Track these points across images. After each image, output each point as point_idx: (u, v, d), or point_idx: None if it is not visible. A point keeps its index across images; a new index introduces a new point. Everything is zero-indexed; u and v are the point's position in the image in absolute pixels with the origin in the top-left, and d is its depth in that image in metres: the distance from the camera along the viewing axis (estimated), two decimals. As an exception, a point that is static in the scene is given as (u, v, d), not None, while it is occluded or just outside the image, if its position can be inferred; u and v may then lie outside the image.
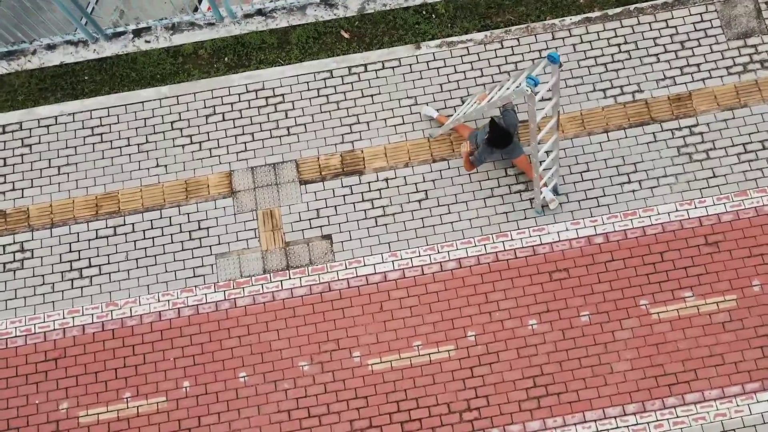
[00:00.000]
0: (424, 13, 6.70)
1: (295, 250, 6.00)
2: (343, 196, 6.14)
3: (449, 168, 6.14)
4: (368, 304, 5.79)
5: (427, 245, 5.96)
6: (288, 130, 6.35)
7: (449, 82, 6.40)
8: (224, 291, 5.91)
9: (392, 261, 5.91)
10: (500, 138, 5.24)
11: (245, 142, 6.33)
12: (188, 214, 6.15)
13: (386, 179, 6.17)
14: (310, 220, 6.09)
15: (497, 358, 5.62)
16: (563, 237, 5.89)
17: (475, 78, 6.36)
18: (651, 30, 6.30)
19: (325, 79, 6.47)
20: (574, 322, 5.64)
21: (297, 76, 6.49)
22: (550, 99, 4.87)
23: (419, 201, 6.08)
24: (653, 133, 6.09)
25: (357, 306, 5.79)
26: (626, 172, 6.01)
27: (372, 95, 6.41)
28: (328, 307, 5.80)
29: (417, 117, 6.32)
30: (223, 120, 6.41)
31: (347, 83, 6.45)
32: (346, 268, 5.92)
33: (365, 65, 6.49)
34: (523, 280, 5.79)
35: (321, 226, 6.07)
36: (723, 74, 6.17)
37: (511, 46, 6.37)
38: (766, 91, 6.12)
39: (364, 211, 6.07)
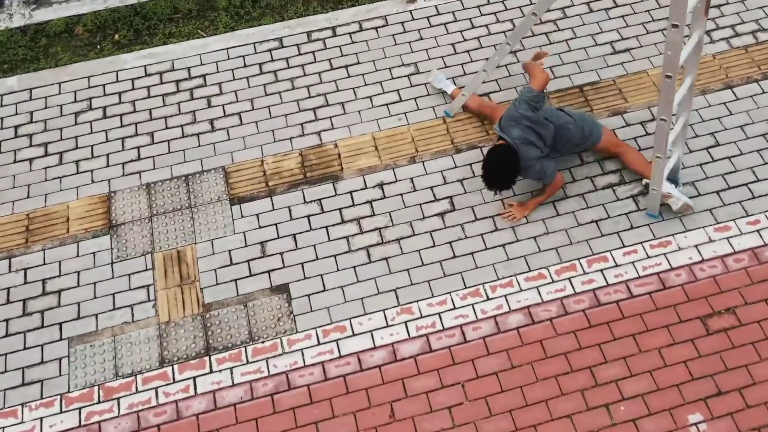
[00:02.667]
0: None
1: (221, 317, 3.21)
2: (308, 217, 3.49)
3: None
4: (366, 411, 2.92)
5: (466, 287, 3.24)
6: (211, 123, 3.83)
7: (464, 40, 4.09)
8: (81, 409, 2.99)
9: (404, 322, 3.15)
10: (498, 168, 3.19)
11: (138, 147, 3.76)
12: (26, 269, 3.38)
13: (380, 184, 3.58)
14: (249, 261, 3.37)
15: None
16: (708, 253, 3.25)
17: (504, 32, 4.07)
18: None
19: (271, 50, 4.11)
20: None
21: (227, 49, 4.11)
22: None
23: (441, 215, 3.47)
24: (804, 82, 3.76)
25: (344, 416, 2.91)
26: (782, 141, 3.57)
27: (346, 66, 4.03)
28: (287, 424, 2.91)
29: (421, 90, 3.90)
30: (104, 117, 3.88)
31: (306, 53, 4.09)
32: (319, 344, 3.11)
33: (333, 28, 4.18)
34: (653, 338, 3.04)
35: (269, 271, 3.34)
36: None
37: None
38: None
39: (346, 239, 3.41)
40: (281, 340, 3.12)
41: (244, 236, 3.44)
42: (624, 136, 3.61)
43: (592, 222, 3.40)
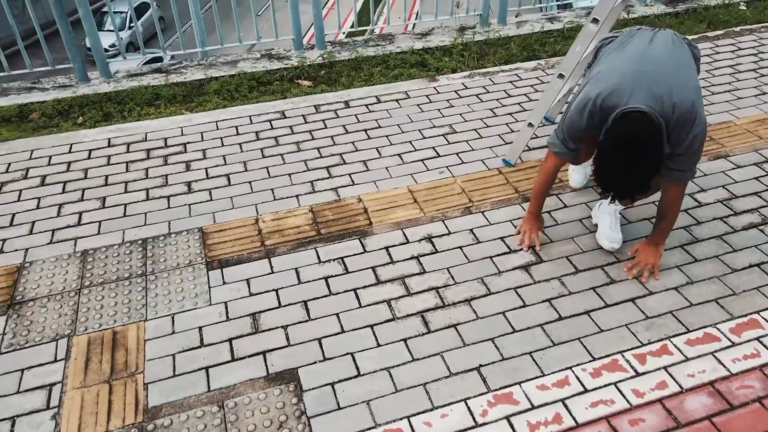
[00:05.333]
0: (433, 52, 4.20)
1: (176, 428, 1.77)
2: (325, 279, 2.29)
3: (579, 198, 2.62)
4: None
5: (594, 359, 1.95)
6: (188, 185, 2.83)
7: (502, 106, 3.44)
8: None
9: (505, 417, 1.77)
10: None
11: (80, 212, 2.67)
12: None
13: (428, 237, 2.48)
14: (231, 340, 2.05)
15: None
16: None
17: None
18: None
19: (271, 120, 3.35)
20: None
21: (216, 122, 3.34)
22: None
23: (525, 267, 2.32)
24: None
25: None
26: None
27: (365, 129, 3.24)
28: None
29: (462, 147, 3.07)
30: (41, 185, 2.86)
31: (315, 121, 3.33)
32: (355, 464, 1.66)
33: (345, 102, 3.51)
34: None
35: (265, 352, 2.01)
36: None
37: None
38: None
39: (387, 303, 2.17)
40: (285, 461, 1.66)
41: (226, 308, 2.17)
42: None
43: (751, 266, 2.29)
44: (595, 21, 2.50)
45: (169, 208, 2.68)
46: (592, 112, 1.97)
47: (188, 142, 3.16)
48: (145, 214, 2.65)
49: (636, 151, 1.84)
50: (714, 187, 2.73)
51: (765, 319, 2.08)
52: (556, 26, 4.57)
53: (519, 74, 3.77)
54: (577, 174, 2.73)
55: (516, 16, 4.78)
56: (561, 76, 2.68)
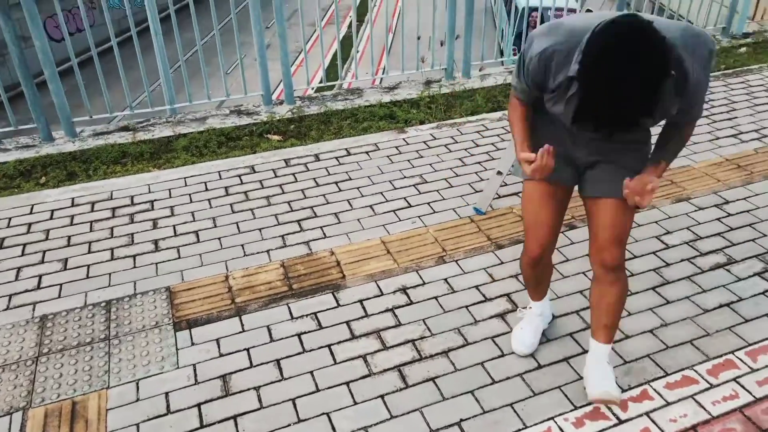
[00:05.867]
0: (401, 105, 4.28)
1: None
2: (298, 336, 2.22)
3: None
4: None
5: (576, 407, 1.91)
6: (155, 244, 2.76)
7: (471, 155, 3.50)
8: None
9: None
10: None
11: (40, 275, 2.57)
12: None
13: (402, 289, 2.45)
14: (199, 405, 1.95)
15: None
16: None
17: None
18: None
19: (240, 175, 3.33)
20: None
21: (184, 178, 3.30)
22: None
23: (501, 315, 2.29)
24: None
25: None
26: None
27: (336, 182, 3.24)
28: None
29: (434, 196, 3.09)
30: (1, 247, 2.76)
31: (285, 175, 3.32)
32: None
33: (316, 155, 3.53)
34: None
35: (236, 416, 1.91)
36: None
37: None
38: None
39: (363, 358, 2.11)
40: None
41: (194, 370, 2.08)
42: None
43: (722, 306, 2.31)
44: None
45: (134, 267, 2.60)
46: (555, 32, 1.55)
47: (155, 200, 3.10)
48: (110, 274, 2.56)
49: (634, 51, 1.30)
50: (679, 229, 2.79)
51: (739, 359, 2.08)
52: (519, 78, 4.73)
53: (485, 124, 3.86)
54: (525, 335, 2.13)
55: (480, 70, 4.94)
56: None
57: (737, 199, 2.99)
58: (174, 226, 2.88)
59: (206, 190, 3.19)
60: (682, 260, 2.58)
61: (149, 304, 2.38)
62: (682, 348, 2.14)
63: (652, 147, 1.76)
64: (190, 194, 3.15)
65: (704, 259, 2.58)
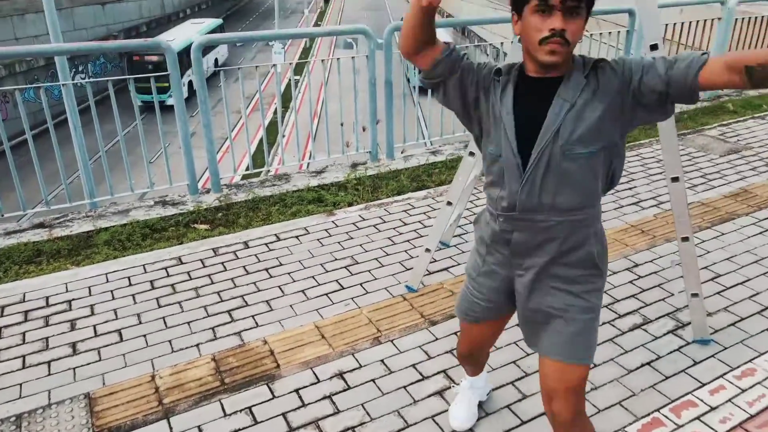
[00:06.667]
0: (329, 188, 4.36)
1: None
2: (232, 434, 2.12)
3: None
4: None
5: (522, 481, 1.89)
6: (73, 347, 2.60)
7: (400, 234, 3.59)
8: None
9: None
10: None
11: (-60, 392, 2.33)
12: None
13: (339, 374, 2.41)
14: None
15: None
16: (809, 368, 2.36)
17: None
18: None
19: (167, 267, 3.24)
20: None
21: (105, 274, 3.17)
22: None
23: (440, 393, 2.30)
24: None
25: None
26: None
27: (267, 269, 3.22)
28: None
29: (365, 277, 3.13)
30: None
31: (213, 265, 3.26)
32: None
33: (245, 242, 3.50)
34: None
35: None
36: None
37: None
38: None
39: (302, 453, 2.03)
40: None
41: (117, 484, 1.92)
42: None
43: (643, 366, 2.43)
44: (472, 154, 2.77)
45: (49, 375, 2.42)
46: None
47: (74, 299, 2.94)
48: (20, 385, 2.36)
49: None
50: (599, 293, 2.94)
51: (665, 416, 2.17)
52: (439, 158, 4.98)
53: (412, 203, 4.00)
54: (460, 410, 2.12)
55: (402, 152, 5.16)
56: (449, 203, 2.88)
57: (645, 262, 3.21)
58: (94, 326, 2.73)
59: (130, 285, 3.06)
60: (603, 323, 2.71)
61: (65, 414, 2.20)
62: (612, 410, 2.20)
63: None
64: (112, 290, 3.01)
65: (622, 321, 2.73)
